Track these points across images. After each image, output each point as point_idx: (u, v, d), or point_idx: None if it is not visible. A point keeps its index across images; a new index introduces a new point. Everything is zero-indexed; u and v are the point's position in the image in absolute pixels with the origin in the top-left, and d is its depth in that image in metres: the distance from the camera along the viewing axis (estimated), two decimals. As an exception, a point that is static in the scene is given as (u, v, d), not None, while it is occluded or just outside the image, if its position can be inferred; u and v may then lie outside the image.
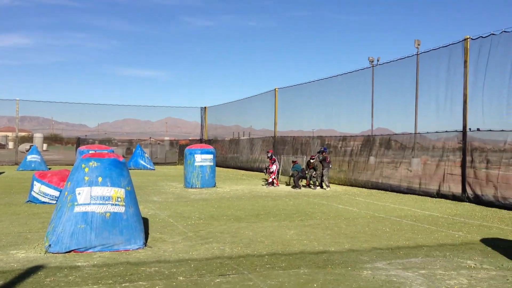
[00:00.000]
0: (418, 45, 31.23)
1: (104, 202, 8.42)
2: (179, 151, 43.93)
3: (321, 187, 20.41)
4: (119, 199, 8.55)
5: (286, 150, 28.38)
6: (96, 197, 8.40)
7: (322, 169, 20.08)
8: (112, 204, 8.46)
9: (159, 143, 54.57)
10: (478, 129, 15.37)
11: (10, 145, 68.56)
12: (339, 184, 22.47)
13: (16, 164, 36.46)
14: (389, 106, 22.97)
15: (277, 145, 30.21)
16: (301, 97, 29.29)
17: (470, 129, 15.68)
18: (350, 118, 25.91)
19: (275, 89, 31.27)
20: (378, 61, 24.09)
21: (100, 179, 8.48)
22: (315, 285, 6.40)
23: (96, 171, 8.52)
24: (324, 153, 20.17)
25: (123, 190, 8.64)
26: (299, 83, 28.77)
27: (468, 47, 15.94)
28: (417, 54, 19.52)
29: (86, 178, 8.47)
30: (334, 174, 23.36)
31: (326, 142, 25.24)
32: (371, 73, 23.59)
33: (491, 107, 15.05)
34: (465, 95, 15.95)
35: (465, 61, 16.03)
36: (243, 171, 34.47)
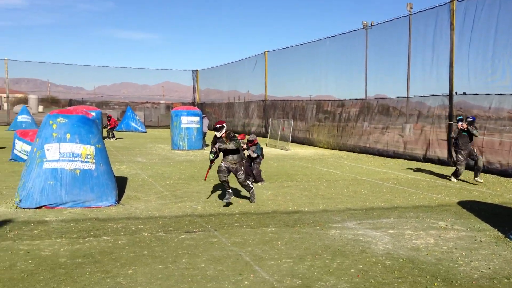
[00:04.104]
0: (411, 8, 30.48)
1: (73, 159, 8.29)
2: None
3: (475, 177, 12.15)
4: (89, 156, 8.41)
5: (277, 114, 28.14)
6: (65, 153, 8.26)
7: (474, 153, 12.15)
8: (82, 161, 8.33)
9: (155, 107, 54.30)
10: (464, 93, 15.13)
11: (5, 106, 68.13)
12: (328, 148, 22.37)
13: (8, 124, 36.23)
14: (382, 70, 22.60)
15: (268, 109, 29.94)
16: (292, 61, 28.78)
17: (456, 93, 15.43)
18: (343, 82, 25.58)
19: (264, 52, 30.71)
20: (371, 25, 23.45)
21: (68, 135, 8.32)
22: (279, 242, 6.34)
23: (64, 128, 8.35)
24: (473, 125, 12.03)
25: (92, 148, 8.49)
26: (290, 46, 28.21)
27: (455, 9, 15.49)
28: (409, 15, 19.02)
29: (54, 134, 8.31)
30: (324, 139, 23.24)
31: (325, 108, 24.82)
32: (365, 36, 23.09)
33: (477, 71, 14.75)
34: (451, 59, 15.63)
35: (451, 24, 15.62)
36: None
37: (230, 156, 8.69)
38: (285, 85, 31.09)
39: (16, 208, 8.09)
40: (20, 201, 8.15)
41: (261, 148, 11.79)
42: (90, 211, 8.05)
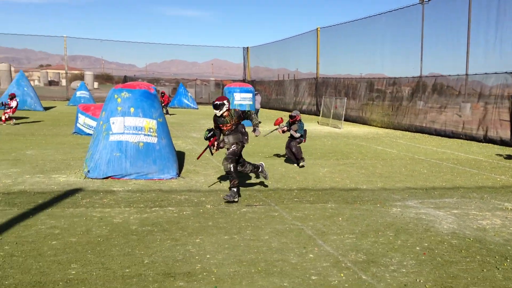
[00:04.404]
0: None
1: (137, 132, 8.58)
2: (223, 91, 44.02)
3: None
4: (151, 130, 8.68)
5: (329, 92, 27.83)
6: (129, 127, 8.56)
7: None
8: (145, 135, 8.62)
9: (205, 84, 54.94)
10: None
11: (63, 82, 71.19)
12: (381, 127, 21.97)
13: (67, 99, 37.77)
14: (438, 47, 21.80)
15: (320, 86, 29.63)
16: (345, 38, 28.24)
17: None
18: (397, 60, 24.91)
19: (317, 28, 30.25)
20: (429, 0, 22.54)
21: (132, 109, 8.61)
22: (340, 218, 6.36)
23: (128, 102, 8.64)
24: None
25: (154, 122, 8.76)
26: (343, 22, 27.66)
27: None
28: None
29: (119, 108, 8.62)
30: (378, 117, 22.82)
31: (378, 86, 24.30)
32: (421, 12, 22.24)
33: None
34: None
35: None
36: (287, 112, 34.24)
37: (226, 139, 7.43)
38: (336, 62, 30.64)
39: (85, 178, 8.49)
40: (88, 171, 8.55)
41: (305, 130, 10.91)
42: (153, 183, 8.34)
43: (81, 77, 66.06)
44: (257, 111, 21.55)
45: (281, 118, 11.23)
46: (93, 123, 14.97)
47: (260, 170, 7.72)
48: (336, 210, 6.79)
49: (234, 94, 20.27)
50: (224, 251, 5.00)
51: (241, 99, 20.20)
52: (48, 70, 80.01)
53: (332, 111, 22.81)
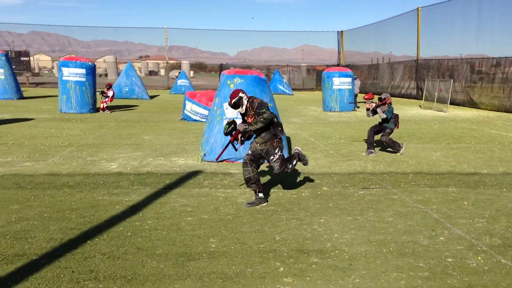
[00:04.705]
0: None
1: (251, 116, 8.85)
2: (316, 77, 43.74)
3: None
4: (265, 114, 8.91)
5: (431, 75, 26.55)
6: (243, 111, 8.85)
7: None
8: (259, 118, 8.86)
9: (296, 70, 54.95)
10: None
11: (162, 72, 75.12)
12: (491, 110, 20.63)
13: (168, 88, 39.76)
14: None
15: (420, 69, 28.34)
16: (447, 17, 26.69)
17: None
18: (503, 39, 23.12)
19: (417, 8, 28.87)
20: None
21: (246, 94, 8.88)
22: (465, 202, 6.15)
23: (240, 87, 8.92)
24: None
25: (268, 105, 8.96)
26: (446, 0, 26.12)
27: None
28: None
29: (233, 93, 8.94)
30: (486, 100, 21.43)
31: (485, 68, 22.77)
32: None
33: None
34: None
35: None
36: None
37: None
38: (434, 44, 29.14)
39: (202, 161, 8.97)
40: (205, 155, 9.01)
41: (396, 115, 9.92)
42: (265, 166, 8.59)
43: (177, 67, 69.02)
44: (355, 95, 21.14)
45: (372, 94, 10.84)
46: (199, 110, 15.69)
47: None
48: (459, 194, 6.57)
49: (333, 78, 20.05)
50: (351, 231, 5.07)
51: (340, 83, 19.94)
52: (148, 61, 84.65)
53: (436, 94, 21.78)
